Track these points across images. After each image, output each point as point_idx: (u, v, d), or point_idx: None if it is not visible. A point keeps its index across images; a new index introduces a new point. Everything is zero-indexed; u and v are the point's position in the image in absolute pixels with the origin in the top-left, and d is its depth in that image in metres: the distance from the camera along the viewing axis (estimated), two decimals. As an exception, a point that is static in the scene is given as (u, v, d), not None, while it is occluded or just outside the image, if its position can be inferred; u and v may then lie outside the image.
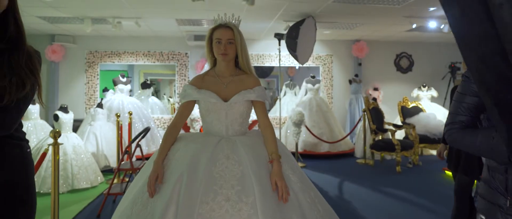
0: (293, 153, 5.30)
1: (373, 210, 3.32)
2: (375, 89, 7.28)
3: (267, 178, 1.49)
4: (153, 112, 6.96)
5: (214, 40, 1.67)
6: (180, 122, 1.69)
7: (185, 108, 1.72)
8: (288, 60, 6.95)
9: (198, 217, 1.34)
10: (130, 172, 3.36)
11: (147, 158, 4.29)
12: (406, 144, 4.99)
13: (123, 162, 3.34)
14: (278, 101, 6.65)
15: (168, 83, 8.49)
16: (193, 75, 6.81)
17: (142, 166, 3.57)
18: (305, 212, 1.48)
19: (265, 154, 1.60)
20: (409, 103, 6.11)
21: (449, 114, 1.20)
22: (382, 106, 6.09)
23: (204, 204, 1.37)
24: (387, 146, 4.97)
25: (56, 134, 2.26)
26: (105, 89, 6.18)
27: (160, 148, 1.60)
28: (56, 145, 2.29)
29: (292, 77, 8.12)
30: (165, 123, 6.86)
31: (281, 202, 1.44)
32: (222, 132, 1.70)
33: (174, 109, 7.58)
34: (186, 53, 6.86)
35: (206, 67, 5.68)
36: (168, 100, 8.16)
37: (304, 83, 6.59)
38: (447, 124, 1.18)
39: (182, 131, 1.80)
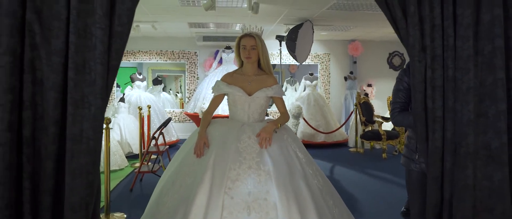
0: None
1: (359, 188, 4.04)
2: (369, 85, 7.98)
3: (280, 152, 1.94)
4: (165, 106, 7.69)
5: (241, 46, 2.11)
6: (213, 108, 2.18)
7: (218, 99, 2.18)
8: (288, 59, 7.64)
9: (227, 179, 1.78)
10: (157, 154, 4.10)
11: (168, 145, 5.05)
12: (392, 134, 5.70)
13: (150, 146, 4.07)
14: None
15: (174, 79, 9.24)
16: (201, 72, 7.54)
17: (166, 149, 4.30)
18: (309, 180, 1.93)
19: (276, 135, 2.02)
20: (398, 98, 6.80)
21: (391, 103, 1.90)
22: (375, 101, 6.79)
23: (232, 170, 1.82)
24: (374, 135, 5.69)
25: (107, 121, 2.99)
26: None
27: (201, 126, 2.09)
28: (107, 130, 3.03)
29: (293, 74, 8.83)
30: (176, 116, 7.59)
31: (291, 171, 1.88)
32: (244, 119, 2.13)
33: (183, 104, 8.32)
34: (195, 52, 7.57)
35: (214, 65, 6.45)
36: (176, 95, 8.90)
37: (303, 80, 7.31)
38: (391, 110, 1.86)
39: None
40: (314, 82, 7.27)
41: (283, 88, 8.36)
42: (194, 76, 7.65)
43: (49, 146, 1.25)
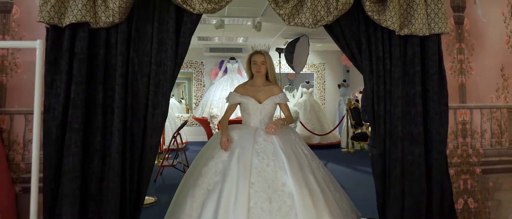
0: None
1: (348, 180, 4.88)
2: (361, 92, 8.86)
3: (291, 149, 2.31)
4: (173, 111, 8.54)
5: (252, 62, 2.50)
6: (229, 115, 2.58)
7: (232, 107, 2.57)
8: (287, 68, 8.53)
9: (250, 176, 2.14)
10: (177, 150, 4.95)
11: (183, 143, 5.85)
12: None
13: (171, 144, 4.92)
14: (278, 102, 8.25)
15: (177, 85, 10.10)
16: (208, 80, 8.40)
17: (183, 147, 5.13)
18: (315, 172, 2.30)
19: (286, 137, 2.38)
20: (385, 104, 7.69)
21: (361, 107, 2.80)
22: (364, 107, 7.61)
23: (253, 168, 2.18)
24: (362, 137, 6.55)
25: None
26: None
27: (221, 129, 2.44)
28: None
29: (292, 81, 9.71)
30: (184, 119, 8.43)
31: (301, 165, 2.25)
32: (257, 124, 2.46)
33: (188, 109, 9.15)
34: (202, 62, 8.44)
35: (220, 74, 7.40)
36: (180, 101, 9.74)
37: (300, 88, 8.19)
38: (361, 112, 2.76)
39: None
40: (310, 89, 8.15)
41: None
42: (201, 84, 8.51)
43: (140, 132, 2.10)
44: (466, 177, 2.51)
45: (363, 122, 6.82)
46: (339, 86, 8.75)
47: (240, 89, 2.56)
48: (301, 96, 8.20)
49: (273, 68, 2.57)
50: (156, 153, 2.23)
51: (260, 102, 2.48)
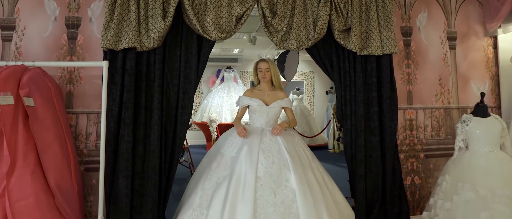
0: (282, 144, 7.73)
1: (332, 174, 5.69)
2: (346, 98, 9.75)
3: (294, 149, 2.56)
4: (175, 116, 9.29)
5: (258, 69, 2.80)
6: (240, 116, 2.87)
7: (243, 110, 2.86)
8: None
9: (257, 171, 2.38)
10: (183, 149, 5.73)
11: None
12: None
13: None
14: (271, 107, 9.09)
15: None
16: (205, 88, 9.18)
17: (188, 146, 5.89)
18: (314, 171, 2.54)
19: (289, 138, 2.62)
20: (367, 109, 8.58)
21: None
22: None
23: (259, 164, 2.42)
24: (346, 138, 7.42)
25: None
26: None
27: (236, 124, 2.74)
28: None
29: (284, 88, 10.56)
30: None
31: (302, 164, 2.48)
32: (263, 125, 2.71)
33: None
34: (200, 71, 9.24)
35: (217, 82, 8.28)
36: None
37: (291, 94, 9.05)
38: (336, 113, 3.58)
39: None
40: (300, 96, 9.01)
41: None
42: (199, 91, 9.28)
43: (171, 126, 2.89)
44: (412, 160, 3.36)
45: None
46: (327, 93, 9.63)
47: (249, 93, 2.85)
48: (292, 102, 9.05)
49: (277, 75, 2.84)
50: (183, 142, 2.99)
51: (267, 105, 2.77)
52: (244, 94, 2.86)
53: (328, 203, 2.40)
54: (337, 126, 7.81)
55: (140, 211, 2.77)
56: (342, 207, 2.59)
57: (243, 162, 2.42)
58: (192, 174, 5.61)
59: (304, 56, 8.73)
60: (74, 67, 2.86)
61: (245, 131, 2.62)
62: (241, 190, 2.31)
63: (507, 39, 3.60)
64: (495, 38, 3.65)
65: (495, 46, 3.65)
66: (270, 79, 2.84)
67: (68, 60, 2.85)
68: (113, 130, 2.71)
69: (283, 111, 2.96)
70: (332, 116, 8.22)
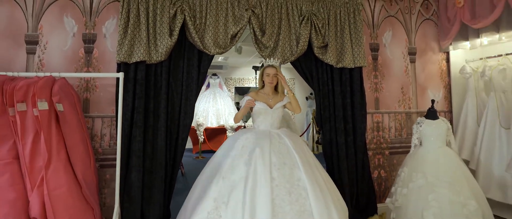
0: (265, 147, 8.31)
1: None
2: (325, 103, 10.45)
3: (301, 150, 2.72)
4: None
5: (265, 74, 2.98)
6: (242, 112, 3.01)
7: (244, 111, 2.99)
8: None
9: (271, 172, 2.51)
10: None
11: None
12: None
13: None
14: (254, 112, 9.67)
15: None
16: (191, 94, 9.63)
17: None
18: (319, 169, 2.77)
19: (296, 140, 2.81)
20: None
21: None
22: (327, 116, 9.19)
23: (272, 165, 2.56)
24: (325, 140, 8.08)
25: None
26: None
27: (239, 112, 3.01)
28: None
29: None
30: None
31: (309, 164, 2.65)
32: (268, 127, 2.88)
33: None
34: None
35: (203, 88, 8.83)
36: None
37: (273, 100, 9.65)
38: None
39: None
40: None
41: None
42: (185, 97, 9.73)
43: (175, 128, 3.40)
44: (379, 157, 4.01)
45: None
46: (306, 98, 10.30)
47: (253, 96, 2.99)
48: (274, 107, 9.66)
49: (284, 80, 3.05)
50: (186, 142, 3.48)
51: (271, 107, 2.97)
52: (249, 96, 3.02)
53: (334, 199, 2.59)
54: (316, 130, 8.47)
55: (149, 201, 3.26)
56: (341, 202, 2.79)
57: (257, 164, 2.53)
58: (182, 175, 6.08)
59: (286, 64, 9.36)
60: (91, 77, 3.32)
61: (252, 100, 2.90)
62: (258, 191, 2.42)
63: (457, 54, 4.33)
64: (448, 53, 4.37)
65: (448, 60, 4.37)
66: (276, 84, 3.06)
67: (85, 71, 3.32)
68: (127, 131, 3.19)
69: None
70: (311, 120, 8.88)
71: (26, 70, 3.20)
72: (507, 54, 3.76)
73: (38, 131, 2.68)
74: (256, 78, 8.81)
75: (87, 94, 3.33)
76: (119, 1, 3.37)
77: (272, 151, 2.64)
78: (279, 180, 2.49)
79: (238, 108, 6.93)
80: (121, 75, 3.08)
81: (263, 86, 3.11)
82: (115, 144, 3.34)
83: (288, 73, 10.33)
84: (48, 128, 2.69)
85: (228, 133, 8.38)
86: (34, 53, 3.24)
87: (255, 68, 8.64)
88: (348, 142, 3.73)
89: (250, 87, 10.41)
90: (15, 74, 2.87)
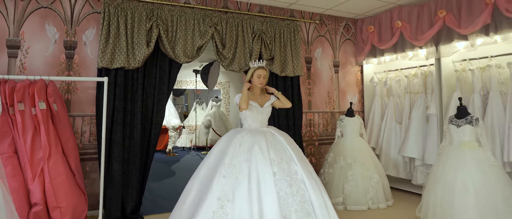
0: (204, 146, 9.11)
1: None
2: (257, 105, 11.57)
3: (293, 146, 2.94)
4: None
5: (256, 75, 3.09)
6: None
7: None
8: (200, 85, 10.66)
9: (271, 168, 2.67)
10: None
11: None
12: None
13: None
14: (192, 112, 10.30)
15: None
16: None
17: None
18: (304, 158, 2.95)
19: (288, 138, 3.02)
20: (275, 114, 10.50)
21: None
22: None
23: (272, 160, 2.72)
24: (260, 138, 9.13)
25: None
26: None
27: (245, 94, 2.99)
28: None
29: (198, 96, 11.84)
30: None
31: (302, 159, 2.86)
32: (259, 126, 3.03)
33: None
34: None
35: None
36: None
37: (210, 101, 10.42)
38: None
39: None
40: (219, 103, 10.46)
41: (193, 108, 11.32)
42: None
43: (148, 126, 4.03)
44: (311, 147, 5.14)
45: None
46: (241, 100, 11.28)
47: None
48: (211, 109, 10.44)
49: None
50: (158, 137, 4.10)
51: (261, 107, 3.14)
52: (239, 94, 3.17)
53: (324, 188, 2.86)
54: (252, 128, 9.50)
55: (128, 188, 3.84)
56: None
57: (258, 160, 2.69)
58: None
59: (222, 67, 10.20)
60: (75, 80, 3.77)
61: (249, 85, 3.13)
62: (262, 186, 2.58)
63: (368, 67, 5.69)
64: (362, 66, 5.71)
65: (362, 71, 5.71)
66: (265, 85, 3.24)
67: (66, 75, 3.76)
68: (109, 128, 3.73)
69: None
70: (247, 120, 9.87)
71: (8, 73, 3.52)
72: (401, 69, 5.18)
73: (37, 128, 3.12)
74: (196, 81, 9.49)
75: (68, 96, 3.77)
76: (99, 13, 3.88)
77: (269, 147, 2.80)
78: (280, 174, 2.65)
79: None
80: (106, 79, 3.62)
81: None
82: (95, 140, 3.85)
83: (224, 76, 11.19)
84: (46, 125, 3.15)
85: (170, 133, 8.93)
86: (16, 57, 3.58)
87: (196, 71, 9.32)
88: (291, 136, 4.75)
89: (186, 89, 11.02)
90: (6, 77, 3.23)
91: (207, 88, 10.99)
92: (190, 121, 10.58)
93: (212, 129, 9.58)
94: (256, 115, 3.10)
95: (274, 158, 2.72)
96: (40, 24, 3.69)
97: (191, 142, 10.15)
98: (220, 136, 9.73)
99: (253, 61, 3.43)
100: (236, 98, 3.16)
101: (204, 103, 11.34)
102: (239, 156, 2.74)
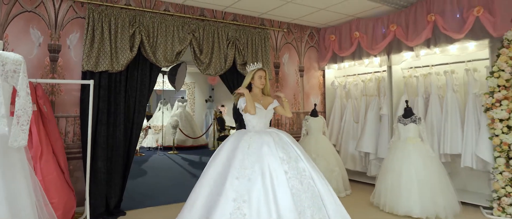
0: (171, 146, 9.37)
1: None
2: (222, 105, 11.94)
3: (297, 145, 3.00)
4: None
5: (257, 76, 3.20)
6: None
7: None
8: (167, 86, 10.84)
9: (282, 161, 2.77)
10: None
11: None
12: (236, 136, 9.69)
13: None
14: (158, 112, 10.47)
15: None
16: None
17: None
18: (307, 156, 3.03)
19: (288, 135, 3.08)
20: (241, 114, 10.97)
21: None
22: (226, 117, 10.68)
23: (282, 160, 2.81)
24: (225, 137, 9.50)
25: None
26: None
27: (250, 101, 3.05)
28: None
29: (160, 96, 11.99)
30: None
31: (306, 156, 2.95)
32: (262, 128, 3.09)
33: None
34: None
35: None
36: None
37: (176, 102, 10.65)
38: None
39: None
40: (184, 103, 10.72)
41: (157, 108, 11.46)
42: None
43: (130, 125, 4.31)
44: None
45: (225, 127, 9.91)
46: (206, 101, 11.62)
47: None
48: (177, 109, 10.68)
49: (268, 83, 3.33)
50: (138, 136, 4.37)
51: (265, 109, 3.20)
52: (242, 98, 3.21)
53: (328, 182, 2.96)
54: (217, 128, 9.88)
55: (111, 184, 4.11)
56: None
57: (270, 161, 2.78)
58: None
59: (189, 68, 10.47)
60: (61, 83, 3.96)
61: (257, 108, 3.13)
62: (276, 185, 2.67)
63: (330, 72, 6.33)
64: (324, 71, 6.34)
65: (324, 76, 6.34)
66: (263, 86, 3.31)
67: (51, 78, 3.95)
68: (93, 128, 3.98)
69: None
70: (213, 120, 10.24)
71: (-7, 74, 3.65)
72: (358, 74, 5.86)
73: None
74: (163, 82, 9.69)
75: (52, 97, 3.96)
76: (83, 18, 4.11)
77: (277, 147, 2.88)
78: (291, 172, 2.75)
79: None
80: (92, 82, 3.87)
81: (250, 90, 3.31)
82: (78, 139, 4.08)
83: (189, 77, 11.46)
84: (37, 126, 3.36)
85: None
86: None
87: (163, 72, 9.51)
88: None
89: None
90: (-5, 78, 3.40)
91: (169, 89, 11.23)
92: (155, 121, 10.73)
93: (179, 129, 9.84)
94: (260, 117, 3.15)
95: (284, 157, 2.81)
96: (24, 28, 3.85)
97: (156, 142, 10.32)
98: (187, 136, 10.02)
99: (250, 64, 3.49)
100: (241, 102, 3.20)
101: (169, 104, 11.52)
102: (250, 157, 2.80)
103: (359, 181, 5.64)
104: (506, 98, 3.78)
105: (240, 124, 5.25)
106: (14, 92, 2.18)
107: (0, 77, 2.03)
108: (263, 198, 2.59)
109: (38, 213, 2.09)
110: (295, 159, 2.86)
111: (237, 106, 3.25)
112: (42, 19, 3.95)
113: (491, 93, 3.89)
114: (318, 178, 2.83)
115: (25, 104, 2.07)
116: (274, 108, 3.29)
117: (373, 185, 4.61)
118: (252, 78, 3.26)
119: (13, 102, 2.14)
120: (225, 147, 3.04)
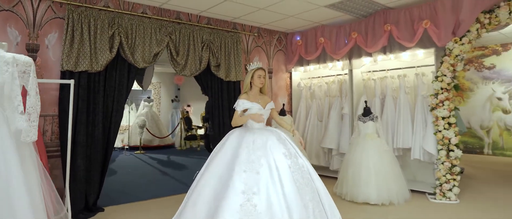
0: (138, 146, 9.43)
1: (186, 163, 7.87)
2: (188, 105, 12.11)
3: (293, 141, 3.17)
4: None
5: (257, 75, 3.23)
6: (239, 117, 3.25)
7: (241, 113, 3.25)
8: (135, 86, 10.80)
9: (285, 156, 2.90)
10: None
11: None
12: (203, 136, 9.91)
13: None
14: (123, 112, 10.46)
15: None
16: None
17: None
18: (303, 153, 3.24)
19: (285, 132, 3.31)
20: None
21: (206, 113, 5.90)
22: (193, 116, 10.86)
23: (281, 155, 2.92)
24: (192, 137, 9.75)
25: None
26: None
27: (243, 118, 3.20)
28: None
29: (127, 95, 11.94)
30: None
31: (298, 147, 3.14)
32: (261, 125, 3.20)
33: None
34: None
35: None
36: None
37: (142, 102, 10.67)
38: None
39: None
40: (151, 103, 10.77)
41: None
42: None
43: (108, 124, 4.48)
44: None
45: (192, 126, 10.12)
46: (172, 101, 11.72)
47: (246, 97, 3.28)
48: (144, 109, 10.71)
49: (267, 82, 3.40)
50: (116, 134, 4.52)
51: (263, 108, 3.29)
52: (241, 99, 3.28)
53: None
54: (185, 128, 10.06)
55: (90, 181, 4.26)
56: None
57: (275, 155, 2.91)
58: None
59: (156, 68, 10.53)
60: (44, 82, 4.03)
61: (259, 116, 3.21)
62: (283, 177, 2.78)
63: (296, 74, 6.81)
64: (291, 73, 6.80)
65: (291, 78, 6.80)
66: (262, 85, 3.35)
67: (29, 76, 4.02)
68: (73, 127, 4.11)
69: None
70: (180, 120, 10.40)
71: (-30, 73, 3.69)
72: (322, 76, 6.39)
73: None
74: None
75: (31, 96, 4.03)
76: (61, 18, 4.22)
77: (279, 143, 3.03)
78: (293, 167, 2.88)
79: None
80: (72, 82, 4.00)
81: (250, 88, 3.36)
82: (57, 138, 4.19)
83: (156, 77, 11.51)
84: (22, 123, 3.47)
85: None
86: (-22, 57, 3.75)
87: (128, 71, 9.52)
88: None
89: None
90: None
91: (134, 89, 11.17)
92: (126, 121, 10.68)
93: (146, 129, 9.90)
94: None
95: (286, 153, 2.95)
96: (1, 27, 3.90)
97: (122, 141, 10.29)
98: (154, 135, 10.09)
99: (250, 63, 3.49)
100: (239, 102, 3.27)
101: (134, 104, 11.49)
102: (256, 152, 2.89)
103: (323, 175, 6.15)
104: (447, 99, 4.44)
105: (213, 124, 5.57)
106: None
107: (17, 78, 2.22)
108: (272, 190, 2.71)
109: (46, 202, 2.29)
110: (294, 155, 3.00)
111: (235, 107, 3.33)
112: (20, 19, 4.01)
113: (436, 95, 4.54)
114: (315, 174, 3.02)
115: (35, 103, 2.28)
116: (270, 110, 3.40)
117: (336, 178, 5.11)
118: (252, 77, 3.30)
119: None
120: (228, 144, 3.12)
